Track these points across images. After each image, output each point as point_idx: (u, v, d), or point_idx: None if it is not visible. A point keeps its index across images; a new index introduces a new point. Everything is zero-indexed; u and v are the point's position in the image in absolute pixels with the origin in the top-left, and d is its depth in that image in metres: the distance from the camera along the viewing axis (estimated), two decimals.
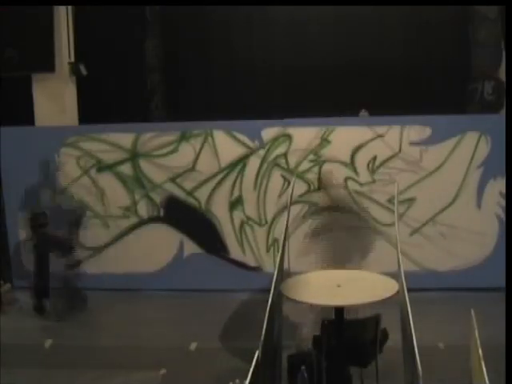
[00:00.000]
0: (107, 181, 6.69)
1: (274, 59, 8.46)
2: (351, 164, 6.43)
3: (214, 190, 6.58)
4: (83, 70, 7.23)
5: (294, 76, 8.34)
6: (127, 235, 6.72)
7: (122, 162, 6.65)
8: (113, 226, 6.72)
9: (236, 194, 6.57)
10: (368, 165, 6.43)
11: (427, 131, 6.34)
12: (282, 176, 6.50)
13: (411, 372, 2.65)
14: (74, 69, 7.23)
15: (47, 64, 6.99)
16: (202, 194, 6.60)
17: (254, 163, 6.52)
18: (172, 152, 6.58)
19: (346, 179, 6.45)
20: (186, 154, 6.56)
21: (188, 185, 6.60)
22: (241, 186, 6.55)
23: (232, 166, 6.53)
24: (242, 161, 6.53)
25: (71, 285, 6.39)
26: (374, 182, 6.43)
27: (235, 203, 6.59)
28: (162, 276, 6.65)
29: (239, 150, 6.51)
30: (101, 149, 6.65)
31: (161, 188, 6.64)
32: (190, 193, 6.61)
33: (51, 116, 7.07)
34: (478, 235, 6.35)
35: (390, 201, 6.26)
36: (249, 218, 6.59)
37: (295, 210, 6.42)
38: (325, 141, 6.43)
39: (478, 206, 6.36)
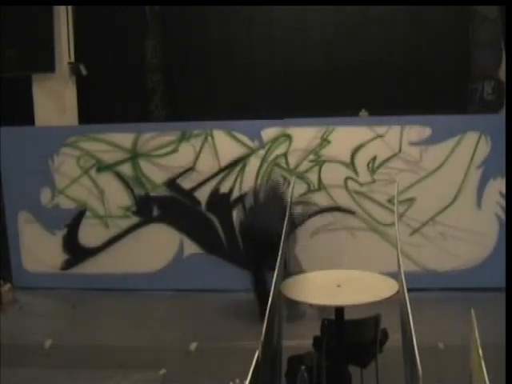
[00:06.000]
0: (107, 181, 6.69)
1: (274, 59, 8.47)
2: (351, 164, 6.43)
3: (213, 189, 6.58)
4: (83, 70, 7.23)
5: (294, 76, 8.35)
6: (127, 235, 6.72)
7: (122, 162, 6.65)
8: (113, 226, 6.72)
9: (236, 194, 6.57)
10: (368, 165, 6.42)
11: (427, 131, 6.34)
12: (282, 176, 6.50)
13: (411, 372, 2.65)
14: (74, 69, 7.23)
15: (47, 64, 6.99)
16: (202, 194, 6.60)
17: (254, 163, 6.52)
18: (172, 152, 6.58)
19: (346, 179, 6.45)
20: (186, 153, 6.55)
21: (188, 185, 6.60)
22: (241, 185, 6.54)
23: (232, 166, 6.53)
24: (242, 161, 6.53)
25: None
26: (373, 181, 6.43)
27: (235, 203, 6.58)
28: (162, 276, 6.65)
29: (239, 150, 6.51)
30: (101, 149, 6.65)
31: (161, 188, 6.64)
32: (189, 193, 6.61)
33: (51, 116, 7.07)
34: (478, 235, 6.34)
35: (390, 201, 6.26)
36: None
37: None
38: (325, 141, 6.43)
39: (478, 205, 6.35)
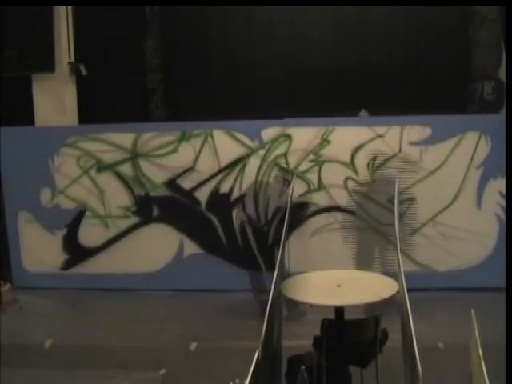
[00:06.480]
0: (107, 181, 6.69)
1: (274, 59, 8.48)
2: (351, 164, 6.43)
3: (213, 189, 6.58)
4: (83, 70, 7.23)
5: (293, 76, 8.35)
6: (127, 235, 6.72)
7: (122, 162, 6.65)
8: (113, 226, 6.72)
9: (236, 194, 6.57)
10: (368, 165, 6.42)
11: (427, 131, 6.34)
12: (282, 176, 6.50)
13: (411, 372, 2.65)
14: (74, 69, 7.23)
15: (47, 64, 6.99)
16: (202, 194, 6.60)
17: (254, 163, 6.52)
18: (172, 152, 6.58)
19: (346, 179, 6.45)
20: (186, 153, 6.55)
21: (188, 185, 6.60)
22: (241, 185, 6.54)
23: (232, 165, 6.53)
24: (242, 161, 6.52)
25: None
26: (373, 182, 6.43)
27: (235, 203, 6.58)
28: (162, 276, 6.65)
29: (239, 150, 6.50)
30: (101, 149, 6.65)
31: (161, 188, 6.64)
32: (189, 193, 6.61)
33: (51, 116, 7.07)
34: (478, 235, 6.34)
35: (390, 201, 6.26)
36: (249, 218, 6.59)
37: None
38: (325, 141, 6.43)
39: (478, 206, 6.35)
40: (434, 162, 6.34)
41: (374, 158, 6.40)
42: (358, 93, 8.00)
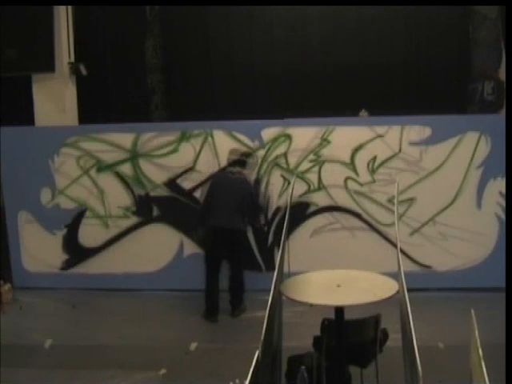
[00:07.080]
0: (107, 181, 6.69)
1: (274, 59, 8.49)
2: (351, 164, 6.43)
3: None
4: (83, 70, 7.23)
5: (293, 76, 8.36)
6: (127, 235, 6.72)
7: (122, 162, 6.65)
8: (113, 226, 6.72)
9: None
10: (368, 165, 6.42)
11: (427, 131, 6.34)
12: (282, 176, 6.50)
13: (411, 372, 2.65)
14: (73, 69, 7.23)
15: (47, 64, 6.99)
16: (202, 194, 6.59)
17: None
18: (172, 152, 6.58)
19: (346, 179, 6.45)
20: (185, 153, 6.55)
21: (188, 185, 6.60)
22: None
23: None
24: None
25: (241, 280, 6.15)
26: (373, 181, 6.43)
27: None
28: (162, 276, 6.65)
29: None
30: (101, 149, 6.65)
31: (161, 188, 6.64)
32: (189, 193, 6.61)
33: (51, 116, 7.07)
34: (478, 235, 6.34)
35: (390, 201, 6.26)
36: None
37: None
38: (325, 141, 6.43)
39: (478, 206, 6.35)
40: (433, 162, 6.34)
41: (374, 158, 6.40)
42: (357, 93, 8.00)
